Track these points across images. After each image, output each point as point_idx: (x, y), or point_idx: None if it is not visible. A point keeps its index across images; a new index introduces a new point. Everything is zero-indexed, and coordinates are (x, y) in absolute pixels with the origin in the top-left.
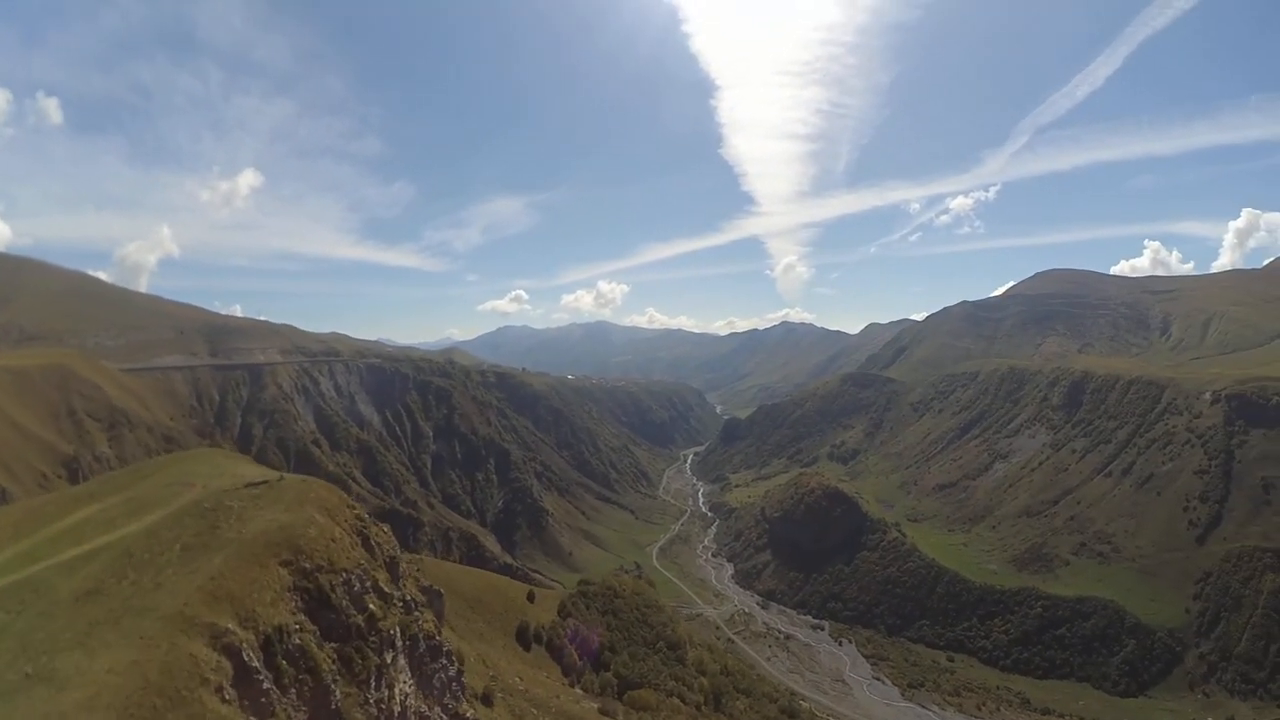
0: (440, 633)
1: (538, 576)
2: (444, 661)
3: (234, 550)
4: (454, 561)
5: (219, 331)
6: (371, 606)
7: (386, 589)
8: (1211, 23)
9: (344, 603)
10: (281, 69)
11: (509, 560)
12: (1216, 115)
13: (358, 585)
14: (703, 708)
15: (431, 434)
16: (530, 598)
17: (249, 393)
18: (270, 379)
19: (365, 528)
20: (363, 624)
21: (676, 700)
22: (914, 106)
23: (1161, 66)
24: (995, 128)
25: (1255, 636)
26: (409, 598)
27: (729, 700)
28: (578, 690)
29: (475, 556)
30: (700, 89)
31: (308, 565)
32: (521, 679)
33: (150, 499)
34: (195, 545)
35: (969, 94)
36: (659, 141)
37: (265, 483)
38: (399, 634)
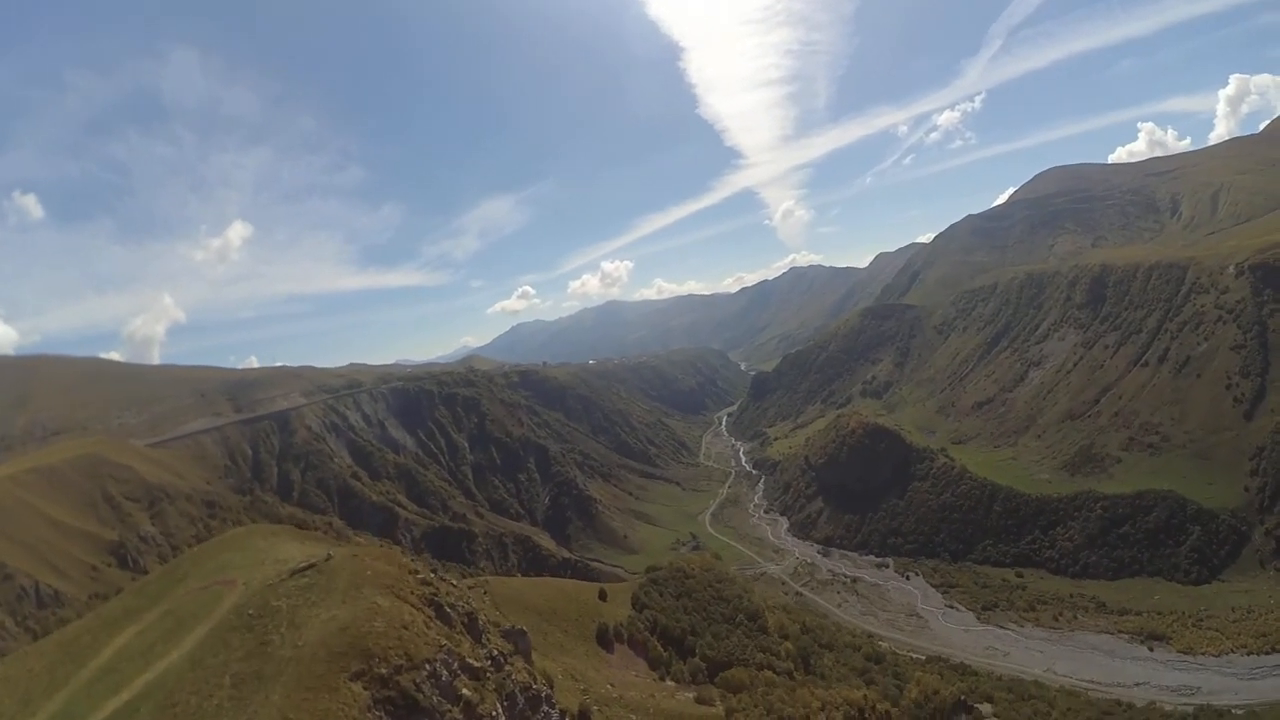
0: (535, 679)
1: (597, 565)
2: (545, 709)
3: (293, 674)
4: (513, 566)
5: (239, 386)
6: (465, 692)
7: (475, 662)
8: None
9: (434, 699)
10: (252, 119)
11: (566, 554)
12: None
13: (445, 673)
14: (794, 674)
15: (467, 445)
16: (602, 596)
17: (280, 440)
18: (299, 423)
19: (435, 592)
20: (460, 716)
21: (769, 673)
22: (883, 29)
23: None
24: (968, 36)
25: None
26: (496, 653)
27: (816, 660)
28: (669, 683)
29: (533, 557)
30: (666, 54)
31: (384, 670)
32: (612, 685)
33: (188, 610)
34: (247, 674)
35: (936, 5)
36: (635, 114)
37: (311, 566)
38: (499, 709)
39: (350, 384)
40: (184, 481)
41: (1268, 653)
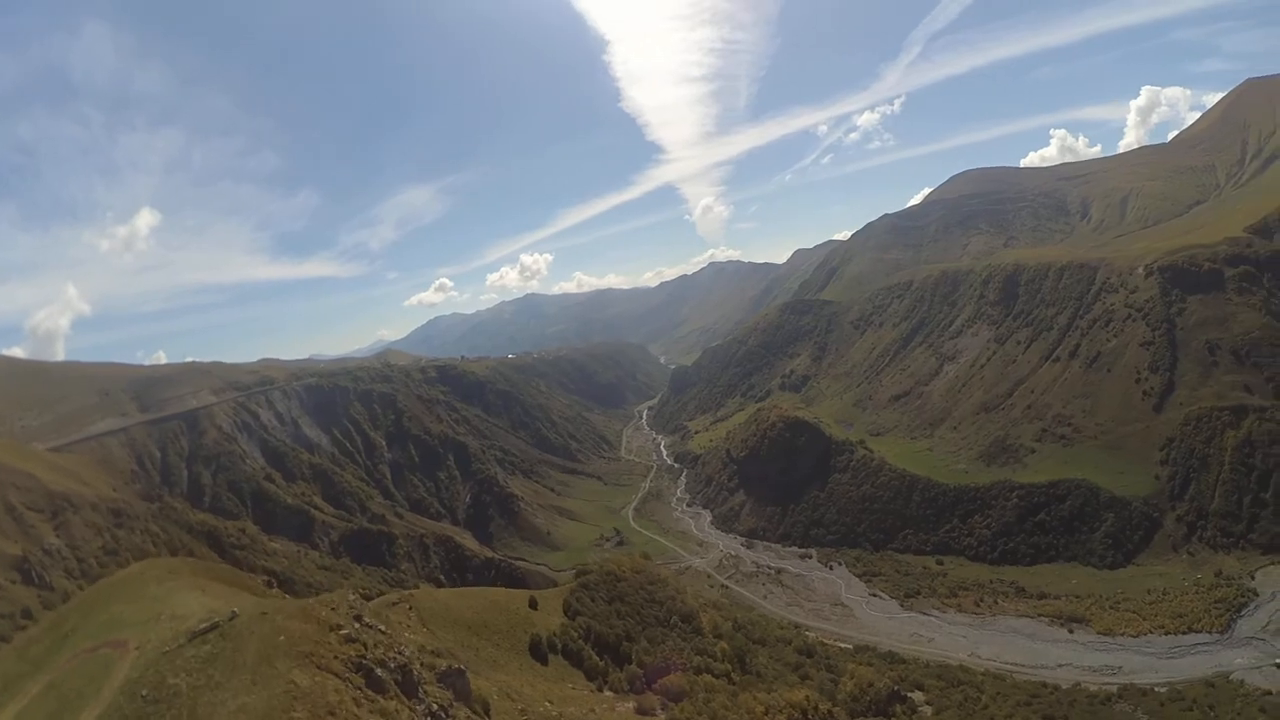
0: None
1: (522, 564)
2: None
3: None
4: (435, 568)
5: (145, 384)
6: None
7: None
8: None
9: None
10: (163, 98)
11: (490, 554)
12: (1105, 1)
13: None
14: (732, 675)
15: (384, 443)
16: (533, 604)
17: (189, 441)
18: (208, 423)
19: (362, 651)
20: None
21: (708, 676)
22: (805, 31)
23: None
24: (888, 41)
25: (1227, 492)
26: (435, 708)
27: (751, 658)
28: (607, 693)
29: (455, 558)
30: (591, 47)
31: None
32: (551, 701)
33: (73, 685)
34: None
35: (858, 10)
36: (558, 106)
37: (214, 628)
38: None
39: (262, 381)
40: (89, 489)
41: (1184, 633)
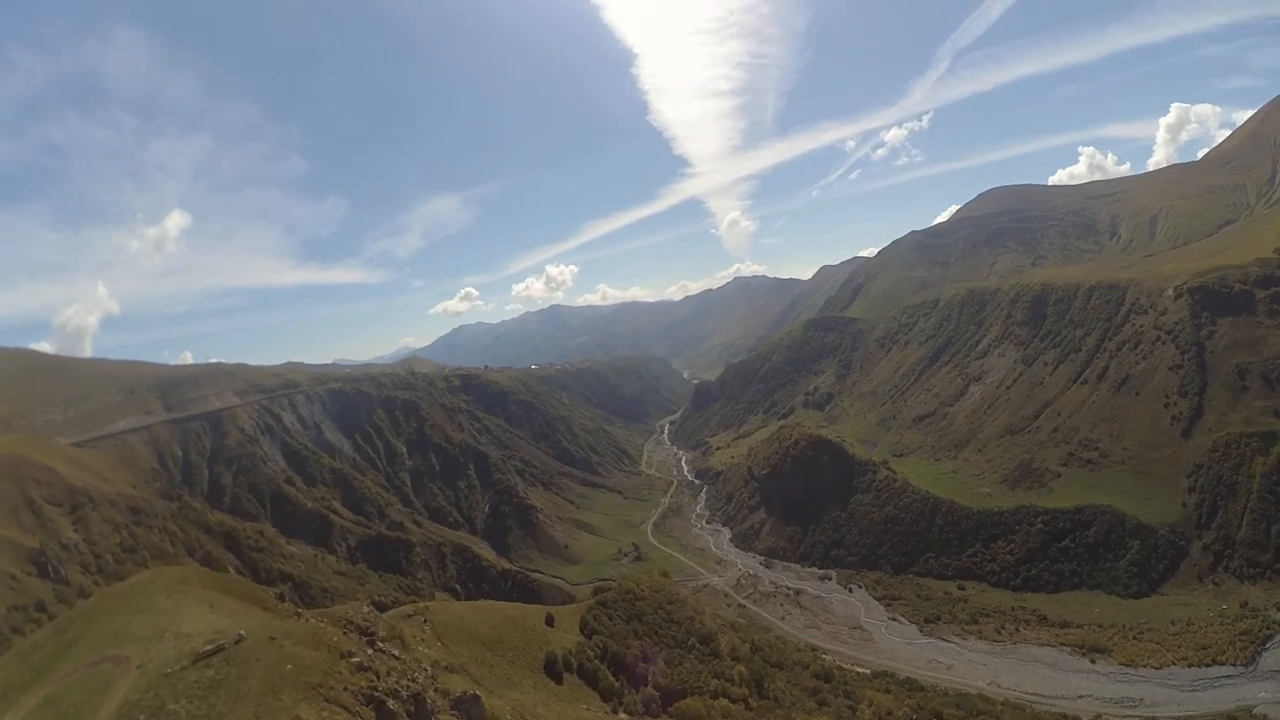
0: None
1: (538, 576)
2: None
3: None
4: (451, 577)
5: (170, 384)
6: None
7: None
8: None
9: None
10: (193, 104)
11: (506, 565)
12: (1130, 17)
13: None
14: (749, 700)
15: (405, 450)
16: (549, 621)
17: (211, 442)
18: (231, 424)
19: (374, 681)
20: None
21: (725, 701)
22: (833, 46)
23: None
24: (916, 56)
25: (1254, 521)
26: None
27: (769, 682)
28: (622, 715)
29: (472, 568)
30: (619, 60)
31: None
32: None
33: (71, 701)
34: None
35: (885, 26)
36: (586, 118)
37: (220, 650)
38: None
39: (286, 384)
40: (109, 485)
41: (1208, 664)
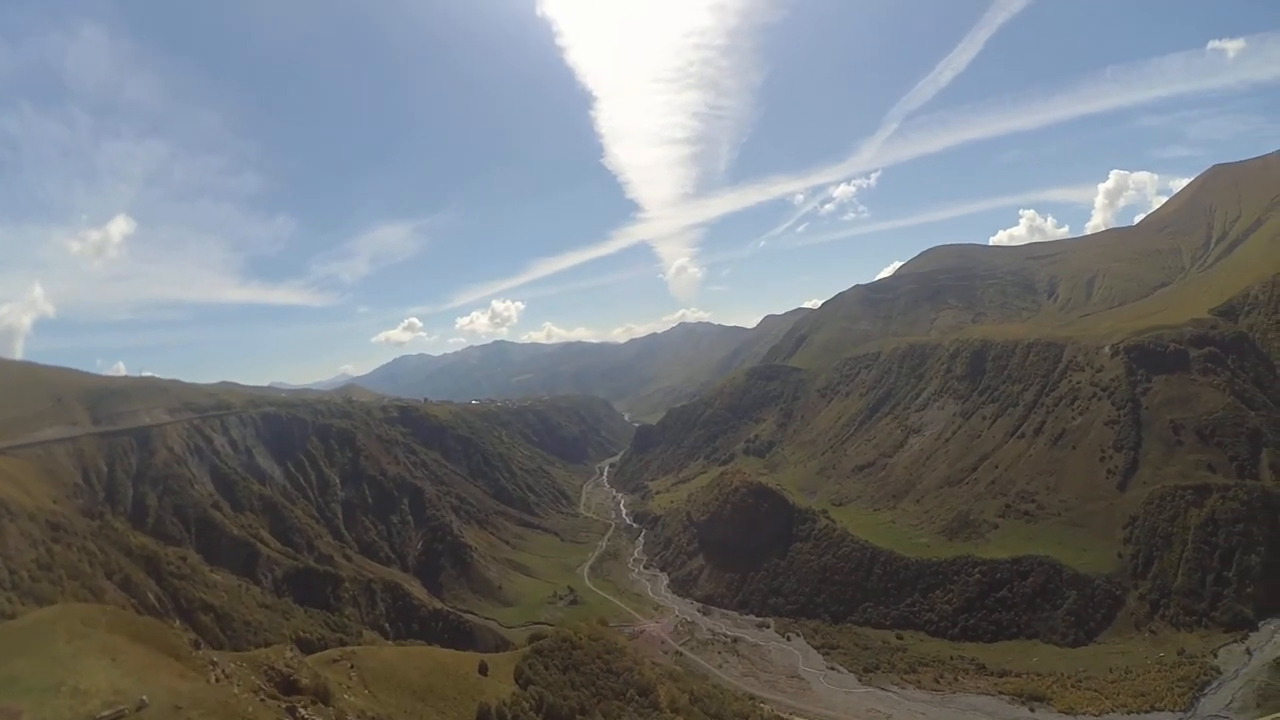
0: None
1: (471, 618)
2: None
3: None
4: (380, 615)
5: (100, 395)
6: None
7: None
8: (1064, 2)
9: None
10: (153, 109)
11: (438, 605)
12: (1075, 88)
13: None
14: None
15: (339, 480)
16: (483, 669)
17: (139, 459)
18: (160, 442)
19: None
20: None
21: None
22: (788, 103)
23: (1020, 47)
24: (867, 117)
25: (1190, 570)
26: None
27: None
28: None
29: (402, 606)
30: (579, 101)
31: None
32: None
33: None
34: None
35: (839, 87)
36: (541, 156)
37: (119, 717)
38: None
39: (219, 404)
40: (29, 498)
41: (1147, 711)
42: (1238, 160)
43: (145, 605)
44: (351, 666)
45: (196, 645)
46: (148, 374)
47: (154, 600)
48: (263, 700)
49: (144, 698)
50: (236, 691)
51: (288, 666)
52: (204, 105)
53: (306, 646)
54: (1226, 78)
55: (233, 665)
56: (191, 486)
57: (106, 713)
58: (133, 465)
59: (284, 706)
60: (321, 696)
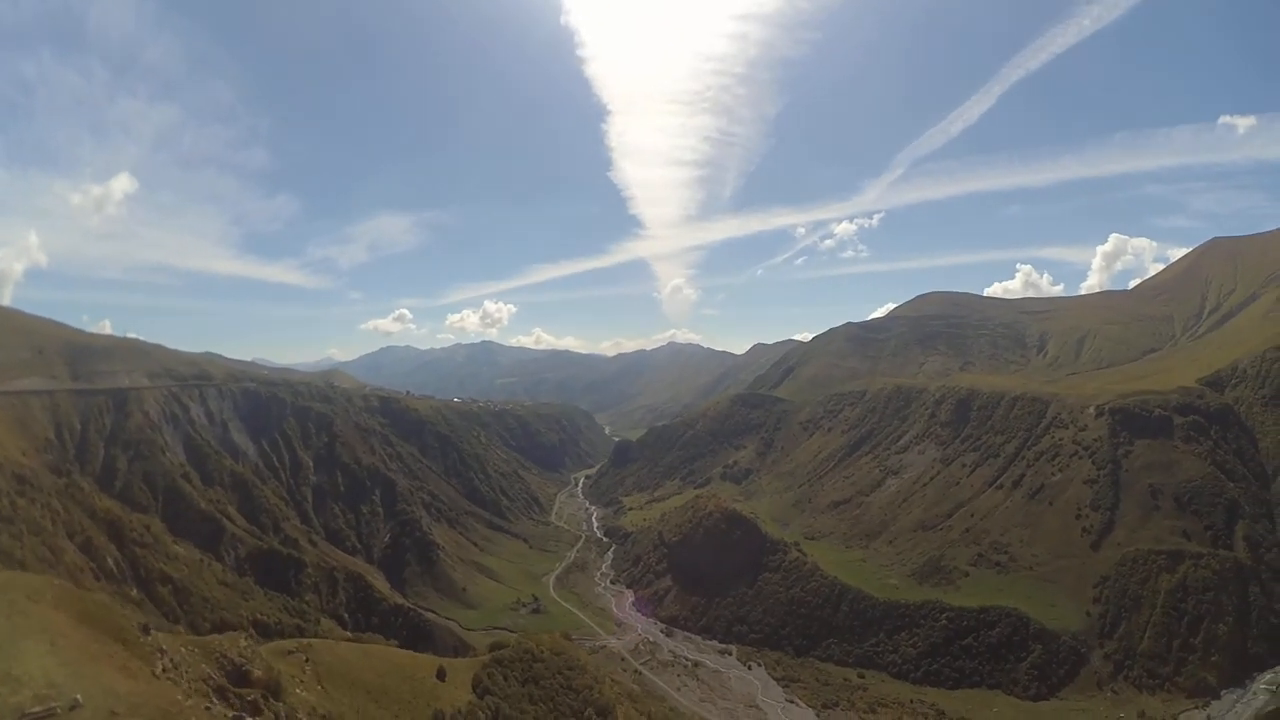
0: None
1: (431, 617)
2: None
3: None
4: (340, 605)
5: (82, 352)
6: None
7: None
8: (1080, 66)
9: None
10: (171, 72)
11: (400, 601)
12: (1082, 151)
13: None
14: None
15: (312, 464)
16: (440, 675)
17: (113, 421)
18: (136, 405)
19: None
20: None
21: None
22: (799, 137)
23: (1032, 105)
24: (876, 158)
25: (1157, 634)
26: None
27: None
28: None
29: (364, 598)
30: (592, 113)
31: None
32: None
33: None
34: None
35: (851, 127)
36: (550, 163)
37: (49, 715)
38: None
39: (200, 374)
40: None
41: None
42: (1237, 235)
43: (103, 570)
44: (306, 660)
45: (145, 630)
46: (132, 335)
47: (113, 566)
48: (208, 708)
49: (78, 697)
50: (180, 698)
51: (241, 656)
52: (220, 76)
53: (263, 630)
54: (1233, 153)
55: (183, 651)
56: (163, 454)
57: (37, 708)
58: (106, 426)
59: (230, 717)
60: (273, 690)
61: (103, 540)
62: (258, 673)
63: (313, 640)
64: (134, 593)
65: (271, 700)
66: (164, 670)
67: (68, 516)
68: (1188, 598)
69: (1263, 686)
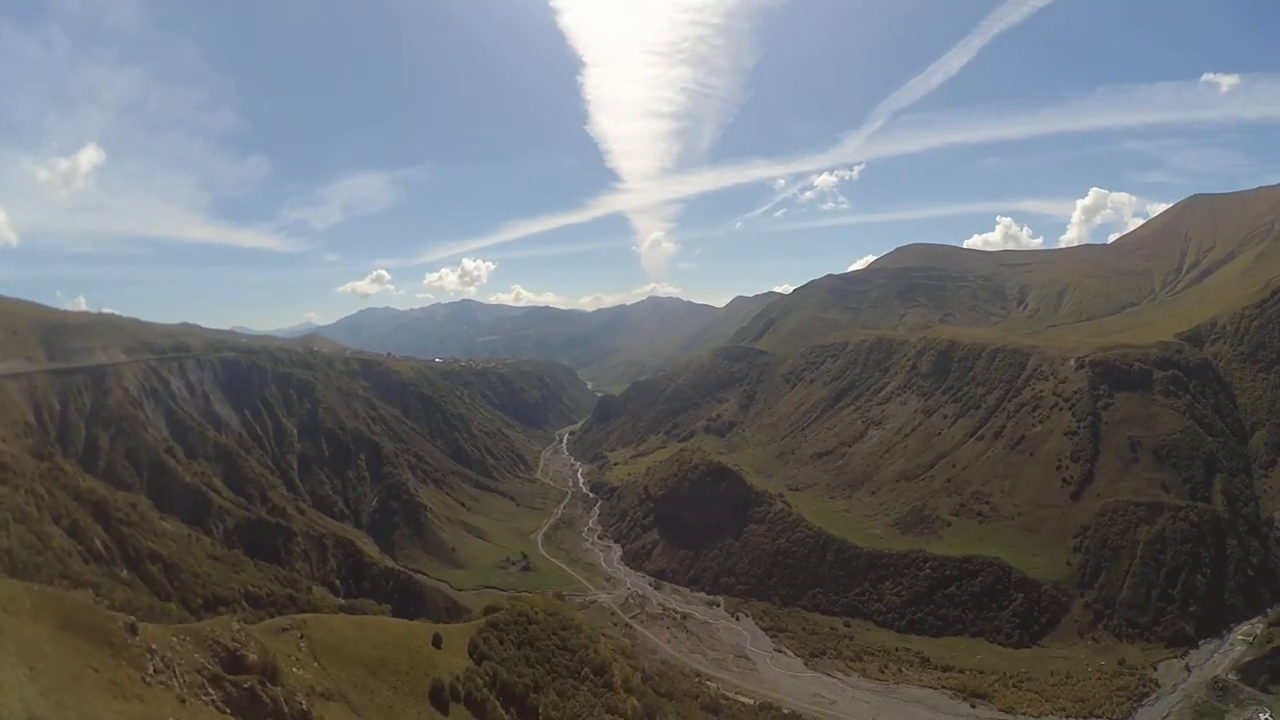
0: None
1: (422, 578)
2: None
3: None
4: (330, 571)
5: (56, 330)
6: None
7: None
8: (1063, 19)
9: None
10: (133, 35)
11: (390, 564)
12: (1064, 104)
13: None
14: None
15: (296, 431)
16: (436, 642)
17: (92, 399)
18: (115, 382)
19: None
20: None
21: None
22: (777, 88)
23: (1013, 58)
24: (855, 110)
25: (1136, 584)
26: None
27: (661, 717)
28: None
29: (354, 564)
30: (567, 66)
31: None
32: None
33: None
34: None
35: (830, 78)
36: (525, 117)
37: None
38: None
39: (178, 346)
40: None
41: (1085, 717)
42: (1217, 192)
43: (92, 552)
44: (301, 637)
45: (133, 629)
46: (108, 310)
47: (101, 548)
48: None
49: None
50: (170, 715)
51: (234, 640)
52: (186, 34)
53: (255, 601)
54: (1215, 111)
55: (174, 643)
56: (145, 430)
57: None
58: (86, 405)
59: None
60: (269, 674)
61: (89, 522)
62: (252, 656)
63: (306, 616)
64: (124, 573)
65: (269, 685)
66: (155, 671)
67: (52, 501)
68: (1166, 549)
69: (1239, 637)
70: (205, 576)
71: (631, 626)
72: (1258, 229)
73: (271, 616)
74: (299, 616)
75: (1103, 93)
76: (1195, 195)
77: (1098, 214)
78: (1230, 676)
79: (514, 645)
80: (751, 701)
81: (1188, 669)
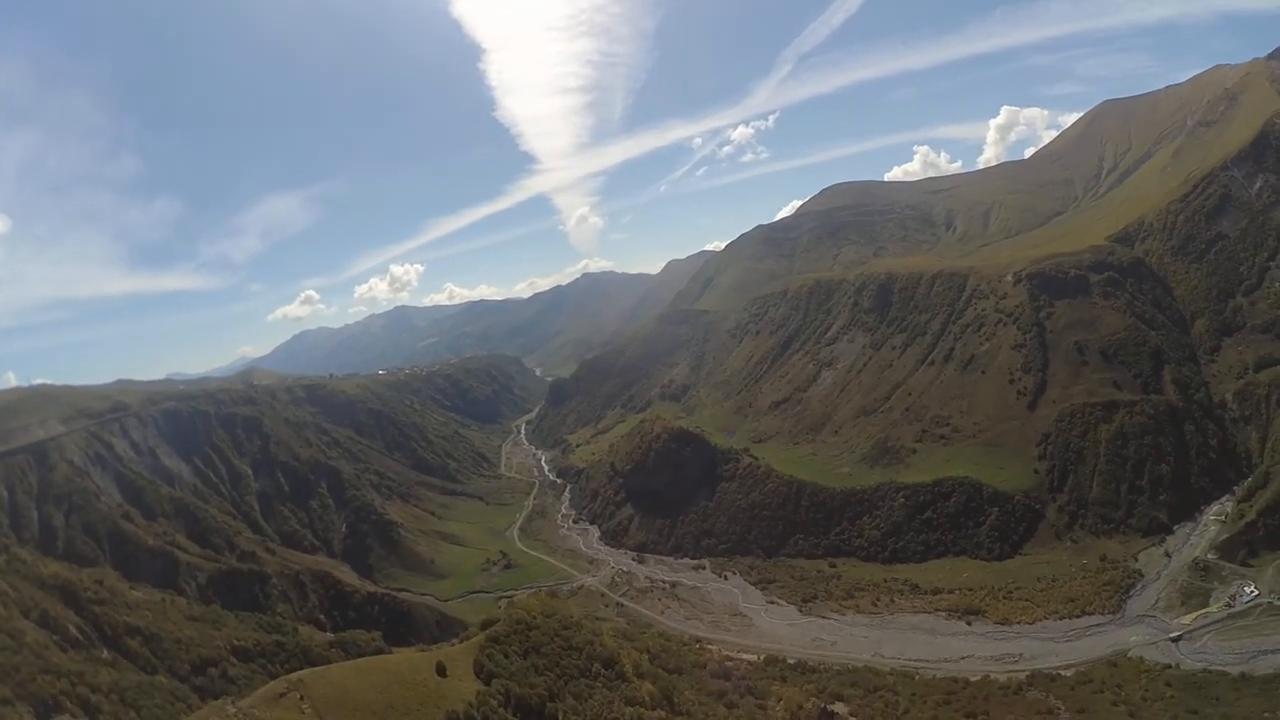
0: None
1: (406, 596)
2: None
3: None
4: (314, 608)
5: None
6: None
7: None
8: None
9: None
10: (21, 95)
11: (371, 588)
12: (964, 29)
13: None
14: None
15: (251, 471)
16: (441, 670)
17: (38, 478)
18: (58, 455)
19: None
20: None
21: None
22: (681, 47)
23: None
24: (760, 59)
25: (1104, 482)
26: None
27: (677, 695)
28: None
29: (335, 595)
30: (467, 54)
31: None
32: None
33: None
34: None
35: (732, 29)
36: (432, 113)
37: None
38: None
39: (115, 406)
40: None
41: (1078, 615)
42: (1127, 95)
43: (68, 640)
44: (302, 698)
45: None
46: (39, 382)
47: (76, 632)
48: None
49: None
50: None
51: None
52: (76, 86)
53: (244, 655)
54: (1114, 18)
55: None
56: (98, 499)
57: None
58: (33, 485)
59: None
60: None
61: (59, 609)
62: None
63: (303, 674)
64: (104, 654)
65: None
66: None
67: (17, 594)
68: (1127, 444)
69: (1212, 518)
70: (188, 640)
71: (623, 604)
72: (1170, 126)
73: (262, 667)
74: (294, 676)
75: (1002, 13)
76: (1106, 101)
77: (1012, 131)
78: (1210, 556)
79: (519, 656)
80: (756, 657)
81: (1168, 555)
